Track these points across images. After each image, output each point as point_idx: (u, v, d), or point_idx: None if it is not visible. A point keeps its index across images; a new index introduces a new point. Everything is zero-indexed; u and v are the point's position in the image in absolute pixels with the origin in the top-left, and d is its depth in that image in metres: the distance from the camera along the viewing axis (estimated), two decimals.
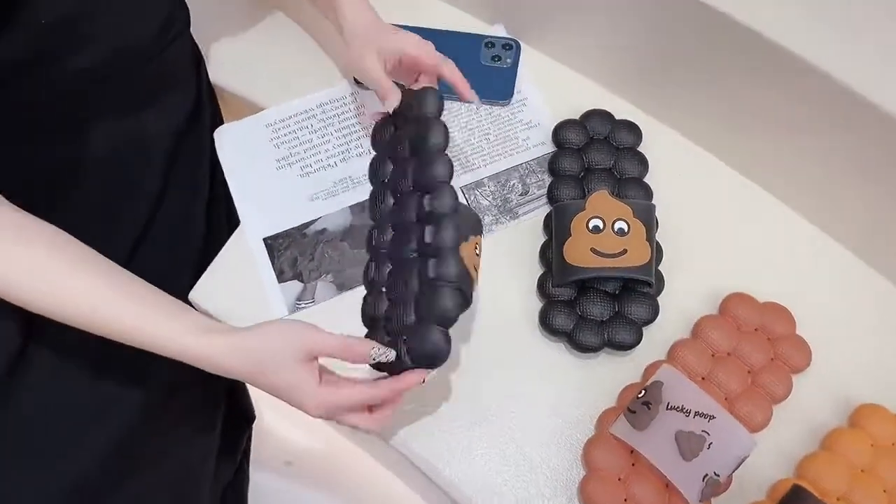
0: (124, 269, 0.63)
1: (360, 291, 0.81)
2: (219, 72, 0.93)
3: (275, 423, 1.25)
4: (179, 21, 0.79)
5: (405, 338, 0.64)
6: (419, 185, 0.69)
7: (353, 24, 0.78)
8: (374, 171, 0.77)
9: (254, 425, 1.12)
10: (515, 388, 0.77)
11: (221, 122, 0.93)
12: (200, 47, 0.88)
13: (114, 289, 0.61)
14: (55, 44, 0.64)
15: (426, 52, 0.76)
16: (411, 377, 0.64)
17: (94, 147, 0.76)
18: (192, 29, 0.83)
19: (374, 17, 0.79)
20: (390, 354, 0.63)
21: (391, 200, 0.73)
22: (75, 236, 0.63)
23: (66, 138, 0.74)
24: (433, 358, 0.63)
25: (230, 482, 1.06)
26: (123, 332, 0.61)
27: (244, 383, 1.06)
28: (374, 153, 0.79)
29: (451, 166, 0.67)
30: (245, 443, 1.11)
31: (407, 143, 0.72)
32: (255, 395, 1.09)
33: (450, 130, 0.87)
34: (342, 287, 0.81)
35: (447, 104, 0.89)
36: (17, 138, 0.71)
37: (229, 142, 0.88)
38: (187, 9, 0.80)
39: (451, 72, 0.77)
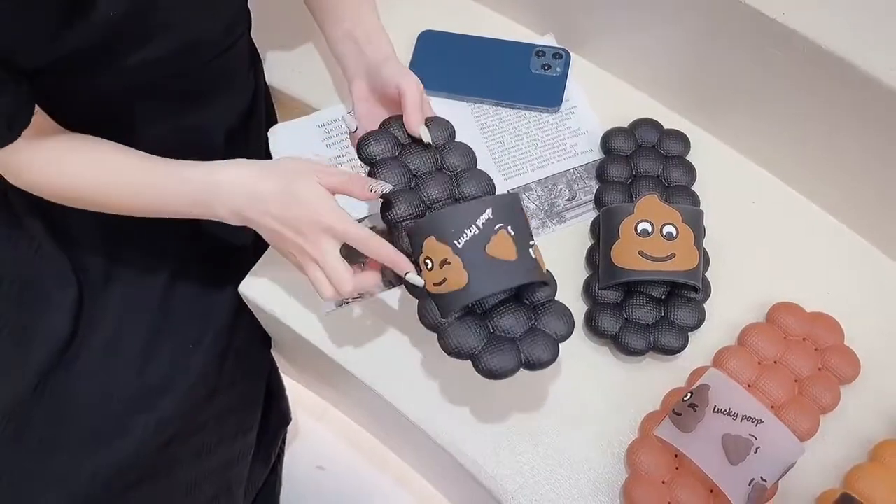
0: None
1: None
2: (274, 73, 0.95)
3: (309, 427, 1.25)
4: (243, 22, 0.81)
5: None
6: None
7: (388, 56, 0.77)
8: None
9: (288, 428, 1.13)
10: (559, 389, 0.78)
11: (276, 122, 0.95)
12: (259, 49, 0.91)
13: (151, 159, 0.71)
14: (121, 37, 0.66)
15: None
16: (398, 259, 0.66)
17: (151, 140, 0.78)
18: (251, 31, 0.86)
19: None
20: (386, 187, 0.67)
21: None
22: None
23: (123, 131, 0.76)
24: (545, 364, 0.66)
25: (263, 484, 1.07)
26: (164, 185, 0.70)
27: (282, 386, 1.07)
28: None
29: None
30: (279, 445, 1.12)
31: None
32: (292, 398, 1.10)
33: (502, 135, 0.89)
34: (390, 283, 0.82)
35: (497, 110, 0.91)
36: (79, 128, 0.74)
37: (283, 141, 0.90)
38: (249, 11, 0.83)
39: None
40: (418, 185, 0.70)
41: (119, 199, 0.71)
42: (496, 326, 0.67)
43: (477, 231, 0.64)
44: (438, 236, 0.64)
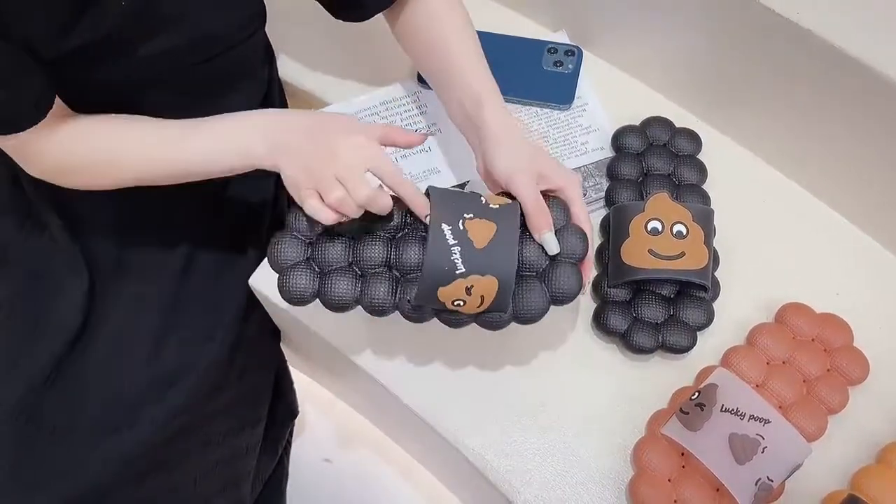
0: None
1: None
2: (288, 68, 0.96)
3: (316, 420, 1.26)
4: (259, 17, 0.81)
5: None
6: None
7: (503, 138, 0.70)
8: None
9: (295, 421, 1.13)
10: (567, 386, 0.78)
11: None
12: (272, 42, 0.91)
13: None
14: (131, 28, 0.66)
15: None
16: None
17: None
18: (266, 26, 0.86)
19: (523, 135, 0.73)
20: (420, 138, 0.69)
21: None
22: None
23: None
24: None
25: (270, 476, 1.08)
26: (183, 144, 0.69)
27: (290, 379, 1.07)
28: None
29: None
30: (287, 438, 1.12)
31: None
32: (299, 391, 1.10)
33: None
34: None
35: (508, 107, 0.91)
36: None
37: None
38: (265, 6, 0.83)
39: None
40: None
41: (152, 157, 0.70)
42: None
43: (456, 241, 0.63)
44: (446, 281, 0.63)
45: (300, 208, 0.66)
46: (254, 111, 0.70)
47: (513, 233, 0.65)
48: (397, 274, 0.67)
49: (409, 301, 0.66)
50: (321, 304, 0.68)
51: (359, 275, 0.67)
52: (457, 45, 0.75)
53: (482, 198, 0.66)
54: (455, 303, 0.64)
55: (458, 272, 0.62)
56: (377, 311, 0.67)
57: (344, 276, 0.67)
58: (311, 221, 0.67)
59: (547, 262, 0.67)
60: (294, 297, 0.67)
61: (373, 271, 0.67)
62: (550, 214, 0.66)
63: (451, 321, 0.68)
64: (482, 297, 0.64)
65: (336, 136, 0.64)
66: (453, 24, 0.76)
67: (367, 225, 0.67)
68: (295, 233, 0.68)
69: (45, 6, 0.60)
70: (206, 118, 0.69)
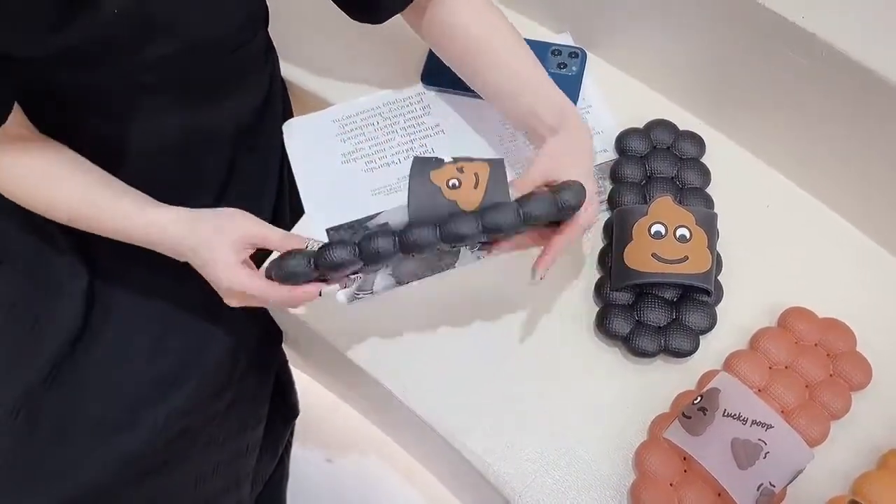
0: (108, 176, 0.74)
1: (417, 285, 0.82)
2: (290, 67, 0.96)
3: (317, 420, 1.26)
4: (259, 20, 0.81)
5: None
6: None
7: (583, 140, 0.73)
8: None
9: (296, 421, 1.13)
10: (569, 389, 0.78)
11: (291, 117, 0.95)
12: (274, 43, 0.91)
13: (102, 185, 0.73)
14: (124, 34, 0.66)
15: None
16: (309, 288, 0.67)
17: (162, 134, 0.78)
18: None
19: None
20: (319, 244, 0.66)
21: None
22: None
23: (132, 125, 0.76)
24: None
25: (270, 476, 1.08)
26: (102, 216, 0.72)
27: (291, 380, 1.07)
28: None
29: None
30: (287, 438, 1.12)
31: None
32: (301, 391, 1.10)
33: (517, 133, 0.89)
34: (400, 281, 0.82)
35: None
36: (86, 122, 0.74)
37: (297, 135, 0.90)
38: (267, 8, 0.83)
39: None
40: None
41: (67, 221, 0.74)
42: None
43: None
44: (436, 166, 0.64)
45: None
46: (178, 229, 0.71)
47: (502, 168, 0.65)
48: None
49: (410, 224, 0.63)
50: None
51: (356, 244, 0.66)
52: (512, 49, 0.76)
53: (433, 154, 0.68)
54: (450, 183, 0.63)
55: (446, 161, 0.63)
56: (376, 255, 0.63)
57: (342, 246, 0.65)
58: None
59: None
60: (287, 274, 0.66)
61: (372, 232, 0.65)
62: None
63: (455, 233, 0.62)
64: (476, 175, 0.62)
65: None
66: (497, 26, 0.77)
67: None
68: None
69: (35, 6, 0.60)
70: (128, 214, 0.72)
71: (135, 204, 0.72)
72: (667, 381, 0.78)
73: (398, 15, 0.80)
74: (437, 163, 0.66)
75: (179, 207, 0.72)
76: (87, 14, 0.62)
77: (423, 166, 0.66)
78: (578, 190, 0.65)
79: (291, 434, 1.14)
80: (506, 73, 0.76)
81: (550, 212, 0.64)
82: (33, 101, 0.71)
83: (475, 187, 0.63)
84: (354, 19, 0.80)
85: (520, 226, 0.63)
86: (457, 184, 0.63)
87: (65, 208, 0.73)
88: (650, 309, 0.78)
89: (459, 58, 0.79)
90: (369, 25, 0.80)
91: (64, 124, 0.73)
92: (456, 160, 0.66)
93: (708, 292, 0.78)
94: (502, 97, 0.77)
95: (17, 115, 0.70)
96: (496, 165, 0.65)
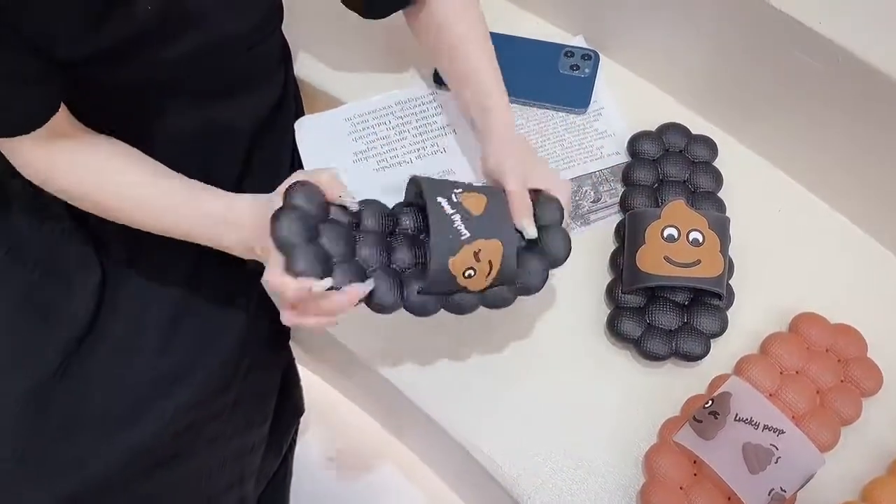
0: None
1: None
2: (304, 66, 0.96)
3: (320, 418, 1.25)
4: (276, 17, 0.81)
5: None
6: None
7: (500, 137, 0.74)
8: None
9: (300, 419, 1.13)
10: (579, 391, 0.78)
11: (303, 115, 0.95)
12: (289, 42, 0.91)
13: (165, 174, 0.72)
14: (154, 31, 0.66)
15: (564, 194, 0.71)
16: (351, 294, 0.63)
17: (180, 131, 0.78)
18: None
19: (522, 139, 0.77)
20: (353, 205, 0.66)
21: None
22: None
23: (150, 122, 0.76)
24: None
25: (274, 473, 1.07)
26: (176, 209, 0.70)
27: (297, 377, 1.07)
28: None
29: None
30: (292, 436, 1.12)
31: None
32: (305, 389, 1.10)
33: (528, 135, 0.89)
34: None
35: (524, 109, 0.91)
36: (107, 120, 0.74)
37: (309, 133, 0.90)
38: (283, 6, 0.83)
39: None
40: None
41: (131, 217, 0.72)
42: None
43: (454, 209, 0.63)
44: (455, 249, 0.63)
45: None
46: (239, 209, 0.69)
47: (503, 205, 0.66)
48: (396, 268, 0.67)
49: (418, 289, 0.65)
50: None
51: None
52: (473, 44, 0.78)
53: (467, 182, 0.68)
54: (466, 273, 0.64)
55: (463, 238, 0.62)
56: (381, 308, 0.66)
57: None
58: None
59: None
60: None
61: (372, 269, 0.66)
62: (545, 210, 0.68)
63: (458, 305, 0.67)
64: (490, 263, 0.64)
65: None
66: (469, 24, 0.78)
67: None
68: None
69: (70, 6, 0.60)
70: (197, 195, 0.71)
71: (204, 188, 0.71)
72: (677, 384, 0.77)
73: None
74: (443, 187, 0.65)
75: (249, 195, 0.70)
76: (121, 12, 0.62)
77: (434, 185, 0.66)
78: (559, 233, 0.68)
79: (296, 432, 1.14)
80: (465, 69, 0.77)
81: (544, 278, 0.67)
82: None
83: (487, 276, 0.65)
84: (362, 16, 0.81)
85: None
86: (472, 274, 0.64)
87: (132, 202, 0.71)
88: (661, 312, 0.78)
89: (436, 56, 0.81)
90: (381, 24, 0.80)
91: (82, 121, 0.73)
92: (463, 189, 0.66)
93: (720, 296, 0.78)
94: (459, 96, 0.79)
95: (63, 113, 0.69)
96: (506, 245, 0.65)
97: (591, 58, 0.92)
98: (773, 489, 0.67)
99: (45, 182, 0.71)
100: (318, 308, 0.63)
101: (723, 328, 0.78)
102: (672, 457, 0.72)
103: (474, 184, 0.68)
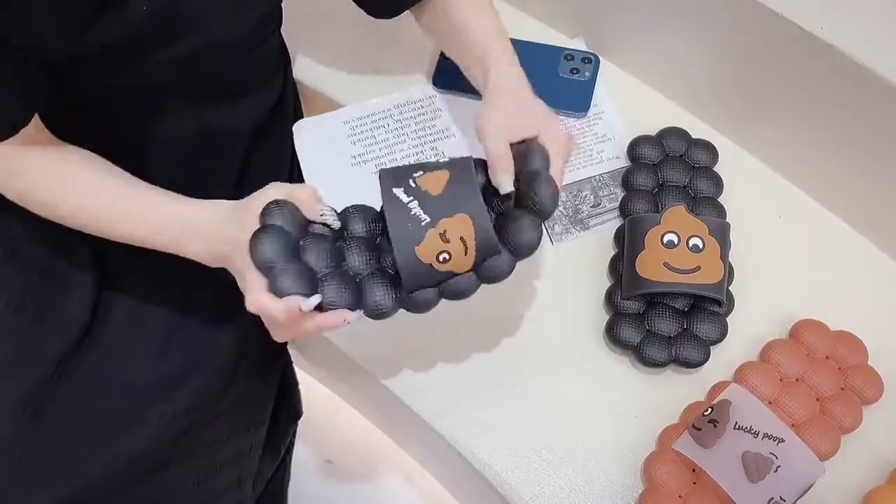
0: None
1: None
2: (302, 69, 0.95)
3: (318, 421, 1.25)
4: (275, 20, 0.81)
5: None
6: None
7: (489, 92, 0.72)
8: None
9: (298, 422, 1.13)
10: (578, 398, 0.77)
11: (302, 118, 0.95)
12: (288, 45, 0.91)
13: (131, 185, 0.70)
14: (150, 32, 0.65)
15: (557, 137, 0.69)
16: (333, 316, 0.61)
17: (178, 134, 0.78)
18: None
19: (521, 79, 0.74)
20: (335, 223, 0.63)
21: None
22: None
23: (146, 124, 0.76)
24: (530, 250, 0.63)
25: (272, 476, 1.07)
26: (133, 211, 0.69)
27: (295, 381, 1.07)
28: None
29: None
30: (289, 439, 1.12)
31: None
32: (303, 391, 1.10)
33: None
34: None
35: None
36: (100, 122, 0.74)
37: (308, 136, 0.90)
38: (281, 9, 0.83)
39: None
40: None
41: (96, 225, 0.71)
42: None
43: (410, 196, 0.61)
44: (418, 238, 0.60)
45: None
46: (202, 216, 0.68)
47: (468, 172, 0.63)
48: (389, 271, 0.65)
49: (398, 292, 0.63)
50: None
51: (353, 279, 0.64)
52: (468, 8, 0.75)
53: (436, 159, 0.65)
54: (441, 257, 0.61)
55: (423, 223, 0.60)
56: (379, 313, 0.64)
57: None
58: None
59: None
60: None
61: (363, 275, 0.64)
62: (527, 159, 0.64)
63: (455, 291, 0.64)
64: (462, 240, 0.61)
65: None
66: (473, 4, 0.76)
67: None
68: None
69: (65, 4, 0.60)
70: (163, 201, 0.69)
71: (167, 196, 0.69)
72: (676, 391, 0.77)
73: (412, 18, 0.79)
74: (403, 174, 0.63)
75: (214, 201, 0.68)
76: (116, 12, 0.62)
77: (392, 174, 0.63)
78: (542, 182, 0.62)
79: (294, 435, 1.14)
80: (468, 42, 0.75)
81: (537, 234, 0.63)
82: (46, 100, 0.71)
83: (465, 253, 0.62)
84: (371, 15, 0.80)
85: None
86: (447, 257, 0.61)
87: (92, 211, 0.70)
88: (661, 318, 0.77)
89: (442, 40, 0.79)
90: (381, 27, 0.80)
91: (77, 123, 0.73)
92: (423, 171, 0.63)
93: (719, 303, 0.77)
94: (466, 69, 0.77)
95: (36, 120, 0.69)
96: (474, 216, 0.61)
97: (591, 61, 0.92)
98: (772, 498, 0.67)
99: (21, 196, 0.71)
100: (311, 325, 0.62)
101: (722, 335, 0.78)
102: (671, 464, 0.72)
103: (440, 160, 0.65)
